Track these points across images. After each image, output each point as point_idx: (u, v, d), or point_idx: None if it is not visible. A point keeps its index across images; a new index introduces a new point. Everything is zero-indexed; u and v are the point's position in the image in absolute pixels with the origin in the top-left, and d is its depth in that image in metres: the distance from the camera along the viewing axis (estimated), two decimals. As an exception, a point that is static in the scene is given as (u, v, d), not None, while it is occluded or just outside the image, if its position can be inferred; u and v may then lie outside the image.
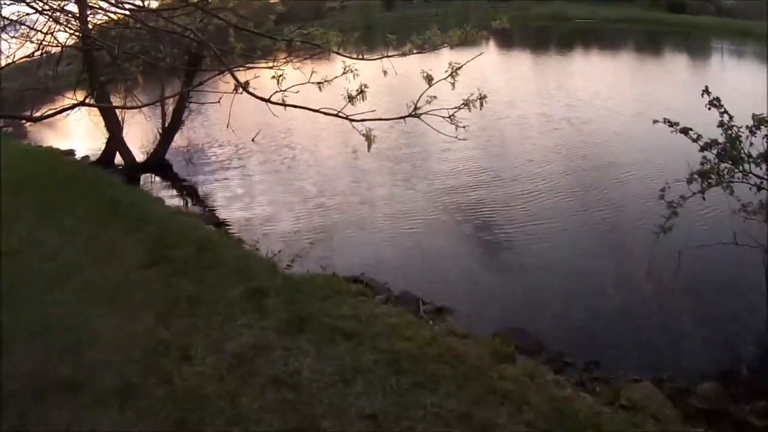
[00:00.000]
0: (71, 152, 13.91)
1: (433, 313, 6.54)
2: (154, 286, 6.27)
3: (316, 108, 3.83)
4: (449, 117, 3.40)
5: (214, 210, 10.40)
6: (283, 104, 3.58)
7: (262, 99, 3.67)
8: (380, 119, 3.49)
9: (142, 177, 12.70)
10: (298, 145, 14.50)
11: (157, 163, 13.06)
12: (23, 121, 14.96)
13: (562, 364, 5.71)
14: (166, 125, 13.04)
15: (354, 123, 3.36)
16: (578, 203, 9.70)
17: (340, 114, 3.54)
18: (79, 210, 8.92)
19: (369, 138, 3.19)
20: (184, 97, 12.75)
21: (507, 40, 32.44)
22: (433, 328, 5.92)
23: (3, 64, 8.79)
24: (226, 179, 12.43)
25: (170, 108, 13.12)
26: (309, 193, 11.23)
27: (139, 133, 14.18)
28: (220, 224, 9.58)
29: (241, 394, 4.52)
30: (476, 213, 9.61)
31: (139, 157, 13.24)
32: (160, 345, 5.14)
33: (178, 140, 13.66)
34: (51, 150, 13.96)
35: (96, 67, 11.69)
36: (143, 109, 13.20)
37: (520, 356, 5.41)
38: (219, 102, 5.20)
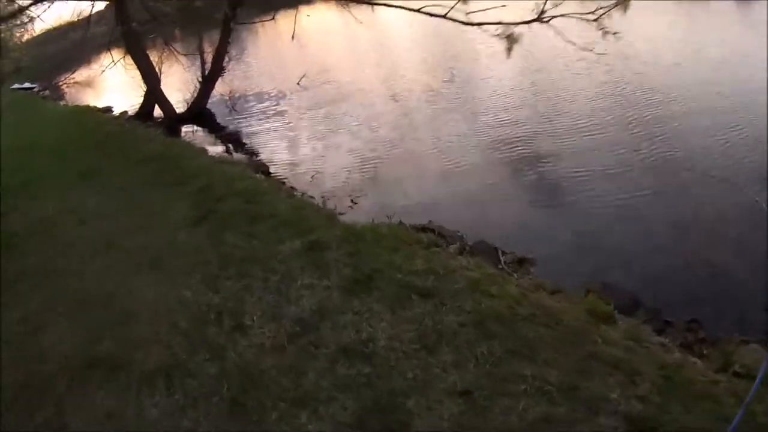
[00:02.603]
0: (109, 109, 13.35)
1: (515, 265, 5.59)
2: (202, 246, 5.58)
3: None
4: (595, 20, 2.43)
5: (261, 158, 9.61)
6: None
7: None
8: (501, 23, 2.57)
9: (183, 128, 12.02)
10: (345, 89, 13.47)
11: (198, 113, 12.35)
12: (59, 83, 14.59)
13: (662, 323, 4.73)
14: (206, 74, 12.22)
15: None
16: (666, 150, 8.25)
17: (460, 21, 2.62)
18: (119, 169, 8.32)
19: (512, 39, 2.35)
20: (225, 42, 11.90)
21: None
22: (518, 282, 4.99)
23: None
24: (271, 126, 11.60)
25: (209, 56, 12.29)
26: (361, 138, 10.28)
27: (178, 84, 13.50)
28: (269, 173, 8.81)
29: (307, 369, 3.80)
30: (549, 158, 8.40)
31: (179, 108, 12.55)
32: (210, 312, 4.45)
33: (219, 88, 12.84)
34: (88, 108, 13.44)
35: (130, 19, 10.92)
36: (181, 59, 12.53)
37: (617, 315, 4.53)
38: (273, 18, 4.28)
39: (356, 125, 10.95)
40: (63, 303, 5.00)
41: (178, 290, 4.85)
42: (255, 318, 4.32)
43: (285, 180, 8.13)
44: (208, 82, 12.27)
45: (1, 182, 8.04)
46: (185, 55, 12.55)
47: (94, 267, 5.55)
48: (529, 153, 8.54)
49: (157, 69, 11.88)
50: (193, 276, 5.02)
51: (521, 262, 5.65)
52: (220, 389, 3.71)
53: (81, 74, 16.38)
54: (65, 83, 15.89)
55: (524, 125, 9.53)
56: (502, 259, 5.61)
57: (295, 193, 7.38)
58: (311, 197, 7.41)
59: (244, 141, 10.84)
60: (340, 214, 6.60)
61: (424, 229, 6.05)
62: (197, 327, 4.31)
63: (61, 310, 4.89)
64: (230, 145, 10.59)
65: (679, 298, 5.14)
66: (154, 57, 12.08)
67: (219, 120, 12.28)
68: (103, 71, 12.81)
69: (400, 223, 6.07)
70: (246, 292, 4.64)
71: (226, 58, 12.14)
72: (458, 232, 6.16)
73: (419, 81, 13.29)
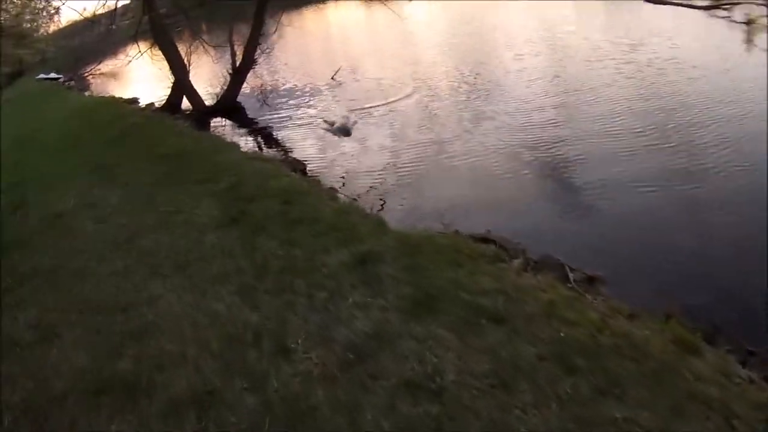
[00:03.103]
0: (135, 100, 12.84)
1: (585, 284, 4.89)
2: (233, 251, 4.96)
3: None
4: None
5: (295, 155, 8.96)
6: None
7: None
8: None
9: (212, 122, 11.45)
10: (384, 83, 12.85)
11: (229, 106, 11.78)
12: (86, 73, 14.18)
13: (745, 354, 4.13)
14: (237, 66, 11.67)
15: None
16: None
17: None
18: (143, 163, 7.75)
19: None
20: (256, 34, 11.35)
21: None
22: (595, 305, 4.31)
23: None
24: (306, 121, 10.99)
25: (239, 49, 11.75)
26: (403, 136, 9.62)
27: (207, 77, 12.98)
28: (304, 171, 8.19)
29: (363, 405, 3.16)
30: (605, 163, 7.65)
31: (208, 101, 12.00)
32: (247, 332, 3.82)
33: (250, 82, 12.27)
34: (113, 100, 12.94)
35: (157, 10, 10.43)
36: (211, 51, 12.02)
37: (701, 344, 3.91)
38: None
39: (394, 120, 10.31)
40: (77, 308, 4.42)
41: (208, 302, 4.23)
42: (300, 341, 3.67)
43: (321, 179, 7.45)
44: (238, 75, 11.72)
45: (19, 174, 7.52)
46: (214, 46, 12.03)
47: (112, 269, 4.96)
48: (582, 156, 7.81)
49: (185, 61, 11.33)
50: (225, 286, 4.41)
51: (591, 280, 4.94)
52: (261, 425, 3.09)
53: (107, 65, 16.00)
54: (91, 74, 15.52)
55: (576, 125, 8.79)
56: (571, 276, 4.90)
57: (337, 194, 6.71)
58: (354, 199, 6.76)
59: (276, 137, 10.22)
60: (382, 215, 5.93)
61: (483, 239, 5.36)
62: (232, 348, 3.68)
63: (75, 318, 4.30)
64: (262, 141, 9.99)
65: (755, 321, 4.52)
66: (182, 48, 11.54)
67: (250, 114, 11.71)
68: (130, 62, 12.36)
69: (456, 232, 5.38)
70: (288, 310, 3.99)
71: (258, 51, 11.58)
72: (519, 243, 5.46)
73: (458, 77, 12.64)
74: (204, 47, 11.79)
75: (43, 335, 4.13)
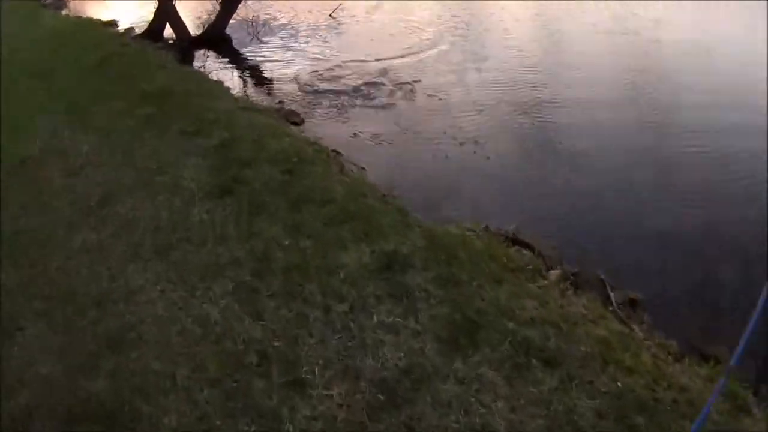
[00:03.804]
0: (113, 23, 11.44)
1: (627, 308, 4.41)
2: (227, 234, 4.21)
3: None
4: None
5: (292, 104, 7.99)
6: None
7: None
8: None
9: (197, 54, 10.27)
10: (388, 22, 11.82)
11: (216, 37, 10.58)
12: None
13: None
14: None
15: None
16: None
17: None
18: (121, 102, 6.74)
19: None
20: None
21: None
22: (645, 343, 3.82)
23: None
24: (302, 60, 9.92)
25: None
26: (411, 88, 8.73)
27: (194, 2, 11.65)
28: (300, 123, 7.32)
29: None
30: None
31: (194, 30, 10.77)
32: (250, 352, 3.15)
33: (242, 11, 11.05)
34: (91, 22, 11.51)
35: None
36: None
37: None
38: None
39: (401, 66, 9.39)
40: (43, 293, 3.68)
41: (198, 304, 3.53)
42: (317, 370, 3.03)
43: (325, 141, 6.61)
44: (228, 3, 10.50)
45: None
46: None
47: (83, 242, 4.18)
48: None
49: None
50: (219, 283, 3.69)
51: (632, 303, 4.46)
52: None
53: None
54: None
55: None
56: (612, 297, 4.38)
57: (343, 163, 5.91)
58: (362, 168, 6.00)
59: (269, 77, 9.14)
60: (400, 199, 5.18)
61: (514, 240, 4.74)
62: (234, 374, 3.02)
63: (40, 306, 3.57)
64: (253, 82, 8.96)
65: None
66: None
67: (239, 48, 10.55)
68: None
69: (487, 229, 4.72)
70: (301, 326, 3.32)
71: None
72: (554, 246, 4.86)
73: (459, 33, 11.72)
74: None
75: (3, 327, 3.39)
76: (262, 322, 3.35)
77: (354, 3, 13.52)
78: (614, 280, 4.61)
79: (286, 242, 4.04)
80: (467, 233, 4.40)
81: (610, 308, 4.25)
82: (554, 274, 4.39)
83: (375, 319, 3.36)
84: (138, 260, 3.96)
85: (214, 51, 10.20)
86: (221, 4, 10.47)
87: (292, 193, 4.71)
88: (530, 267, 4.17)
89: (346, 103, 8.12)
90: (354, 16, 12.73)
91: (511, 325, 3.40)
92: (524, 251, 4.58)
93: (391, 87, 8.72)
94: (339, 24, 11.97)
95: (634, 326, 4.06)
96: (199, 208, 4.57)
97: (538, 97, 8.50)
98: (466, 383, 3.00)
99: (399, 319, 3.36)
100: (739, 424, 3.14)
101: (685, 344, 4.00)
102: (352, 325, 3.32)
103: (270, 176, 5.04)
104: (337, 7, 12.25)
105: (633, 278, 4.73)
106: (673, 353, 3.82)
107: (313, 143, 6.13)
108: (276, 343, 3.20)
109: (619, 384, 3.15)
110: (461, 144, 6.94)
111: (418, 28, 12.10)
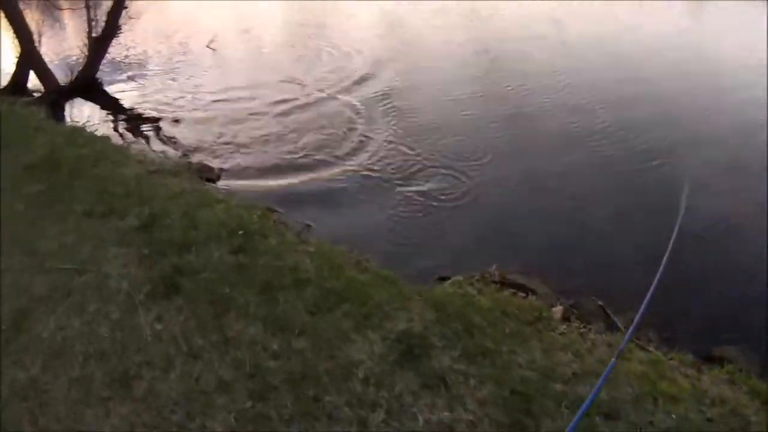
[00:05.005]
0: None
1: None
2: (197, 345, 3.47)
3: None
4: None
5: (197, 153, 7.13)
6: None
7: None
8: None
9: (71, 105, 8.96)
10: (267, 52, 11.16)
11: (88, 83, 9.32)
12: None
13: None
14: (96, 33, 9.19)
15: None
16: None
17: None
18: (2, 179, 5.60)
19: None
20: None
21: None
22: (672, 364, 3.76)
23: None
24: (190, 97, 9.03)
25: (99, 12, 9.25)
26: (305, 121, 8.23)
27: (59, 47, 10.22)
28: (217, 179, 6.53)
29: None
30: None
31: (62, 77, 9.40)
32: None
33: (113, 51, 9.85)
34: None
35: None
36: (62, 15, 9.38)
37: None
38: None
39: (293, 98, 8.83)
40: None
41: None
42: None
43: (250, 197, 5.90)
44: (99, 44, 9.27)
45: None
46: (68, 9, 9.39)
47: (12, 386, 3.24)
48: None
49: (33, 27, 8.67)
50: (214, 417, 2.97)
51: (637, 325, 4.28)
52: None
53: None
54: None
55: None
56: (619, 324, 4.22)
57: (287, 224, 5.27)
58: (309, 225, 5.42)
59: (159, 124, 8.15)
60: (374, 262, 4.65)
61: (502, 283, 4.44)
62: None
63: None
64: (148, 133, 7.91)
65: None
66: (28, 13, 8.79)
67: (116, 94, 9.37)
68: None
69: (483, 279, 4.37)
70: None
71: (123, 14, 9.20)
72: (542, 280, 4.63)
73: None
74: (54, 11, 9.10)
75: None
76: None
77: (227, 31, 12.72)
78: (606, 302, 4.49)
79: (275, 346, 3.39)
80: (468, 289, 4.00)
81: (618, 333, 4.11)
82: (557, 311, 4.18)
83: (420, 419, 2.86)
84: (93, 402, 3.11)
85: (91, 100, 8.96)
86: (90, 45, 9.21)
87: (255, 279, 4.02)
88: (540, 314, 3.87)
89: (249, 142, 7.44)
90: (231, 44, 11.94)
91: (558, 386, 3.14)
92: (520, 294, 4.29)
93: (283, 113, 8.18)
94: (216, 52, 11.13)
95: (651, 348, 3.95)
96: (146, 315, 3.74)
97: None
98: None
99: (447, 413, 2.90)
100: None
101: (692, 351, 4.01)
102: (398, 436, 2.80)
103: (219, 260, 4.29)
104: (212, 39, 11.41)
105: (622, 296, 4.63)
106: (689, 363, 3.82)
107: (251, 206, 5.39)
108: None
109: (674, 416, 3.11)
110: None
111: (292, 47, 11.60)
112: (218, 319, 3.65)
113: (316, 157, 7.03)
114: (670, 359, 3.79)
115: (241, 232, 4.61)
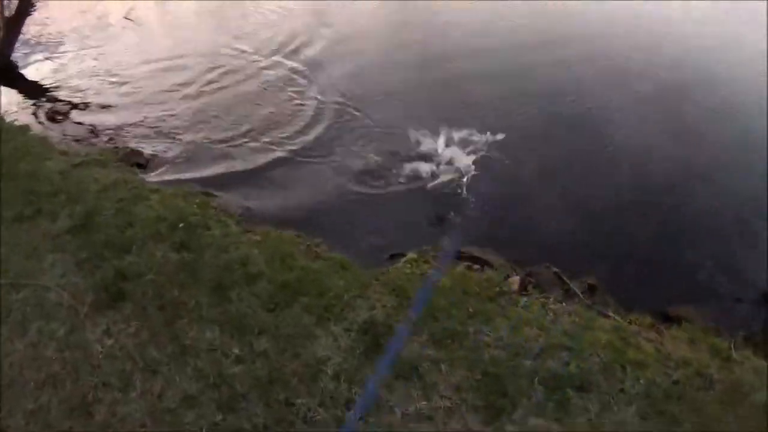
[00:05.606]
0: None
1: (589, 294, 4.50)
2: (155, 359, 3.33)
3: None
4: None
5: (123, 138, 6.66)
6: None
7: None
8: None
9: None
10: (188, 22, 10.56)
11: (2, 66, 8.52)
12: None
13: None
14: (10, 12, 8.36)
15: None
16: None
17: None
18: None
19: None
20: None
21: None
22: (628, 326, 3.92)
23: None
24: (112, 74, 8.43)
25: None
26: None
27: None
28: (146, 164, 6.16)
29: None
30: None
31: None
32: None
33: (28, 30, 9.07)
34: None
35: None
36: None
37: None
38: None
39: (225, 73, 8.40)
40: None
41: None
42: None
43: (185, 183, 5.62)
44: (13, 22, 8.44)
45: None
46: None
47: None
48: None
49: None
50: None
51: (592, 288, 4.50)
52: None
53: None
54: None
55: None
56: (577, 290, 4.30)
57: (228, 210, 5.04)
58: (248, 208, 5.22)
59: (83, 107, 7.56)
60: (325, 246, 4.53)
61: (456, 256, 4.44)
62: None
63: None
64: (69, 118, 7.31)
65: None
66: None
67: (33, 76, 8.62)
68: None
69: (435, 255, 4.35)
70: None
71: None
72: (492, 250, 4.66)
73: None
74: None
75: None
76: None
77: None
78: (562, 268, 4.56)
79: (236, 349, 3.29)
80: (424, 268, 3.97)
81: (576, 300, 4.19)
82: (515, 281, 4.23)
83: (398, 412, 2.86)
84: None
85: (7, 85, 8.18)
86: (4, 25, 8.37)
87: (204, 277, 3.87)
88: (500, 288, 3.89)
89: (178, 120, 7.06)
90: (151, 14, 11.19)
91: (528, 363, 3.24)
92: (475, 266, 4.30)
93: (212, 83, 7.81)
94: (138, 24, 10.44)
95: (610, 313, 4.05)
96: (93, 330, 3.56)
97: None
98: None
99: (424, 402, 2.92)
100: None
101: (649, 312, 4.14)
102: (378, 430, 2.78)
103: (163, 259, 4.10)
104: (130, 9, 10.67)
105: (574, 261, 4.72)
106: (648, 325, 3.99)
107: (188, 194, 5.14)
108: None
109: (641, 381, 3.27)
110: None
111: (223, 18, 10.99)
112: (171, 326, 3.51)
113: (251, 133, 6.71)
114: (629, 323, 3.89)
115: (181, 225, 4.41)
